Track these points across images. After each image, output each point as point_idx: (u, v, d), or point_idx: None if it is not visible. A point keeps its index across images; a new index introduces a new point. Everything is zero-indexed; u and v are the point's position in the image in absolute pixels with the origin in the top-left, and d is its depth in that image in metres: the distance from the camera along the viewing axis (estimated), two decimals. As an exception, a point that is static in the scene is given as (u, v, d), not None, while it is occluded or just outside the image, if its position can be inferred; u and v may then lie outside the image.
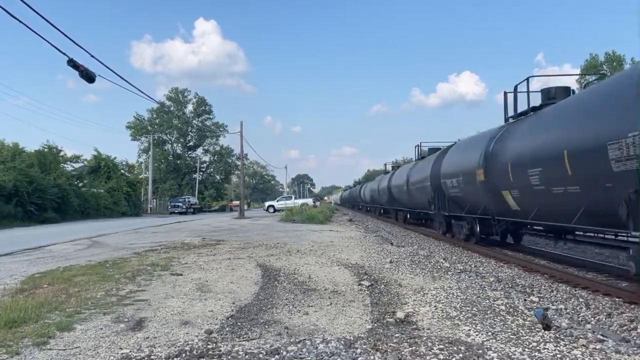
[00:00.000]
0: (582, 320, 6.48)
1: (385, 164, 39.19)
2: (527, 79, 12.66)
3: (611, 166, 7.64)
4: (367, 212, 51.32)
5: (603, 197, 8.20)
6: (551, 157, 9.59)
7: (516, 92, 13.04)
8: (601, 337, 5.33)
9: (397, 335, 5.13)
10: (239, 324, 5.64)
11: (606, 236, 10.25)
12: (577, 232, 11.21)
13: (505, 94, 13.69)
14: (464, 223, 15.83)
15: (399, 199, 27.71)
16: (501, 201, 12.39)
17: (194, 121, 78.49)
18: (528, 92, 12.57)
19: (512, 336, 5.10)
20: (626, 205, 7.51)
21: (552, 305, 7.36)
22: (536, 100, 12.25)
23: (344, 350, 4.60)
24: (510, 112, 13.32)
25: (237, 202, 55.94)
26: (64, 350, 4.72)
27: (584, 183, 8.75)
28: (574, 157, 8.78)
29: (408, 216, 26.84)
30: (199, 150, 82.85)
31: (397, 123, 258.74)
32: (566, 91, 11.81)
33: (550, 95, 11.73)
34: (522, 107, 12.77)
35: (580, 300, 7.72)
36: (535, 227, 13.31)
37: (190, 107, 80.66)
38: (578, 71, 53.78)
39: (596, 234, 10.56)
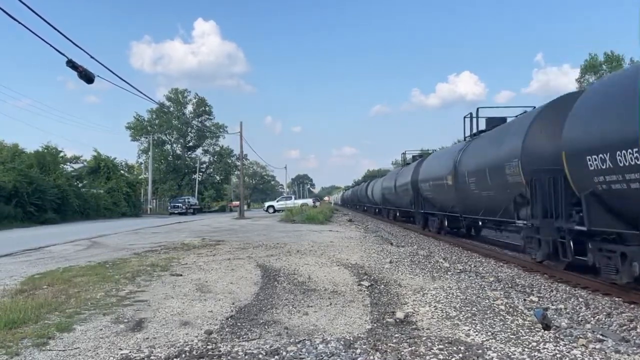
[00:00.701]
0: (581, 320, 6.48)
1: (405, 153, 29.06)
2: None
3: None
4: (375, 214, 42.67)
5: None
6: None
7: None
8: (601, 337, 5.34)
9: (396, 335, 5.13)
10: (239, 324, 5.64)
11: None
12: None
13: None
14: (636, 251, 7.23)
15: (433, 199, 19.39)
16: None
17: (193, 122, 78.49)
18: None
19: (511, 336, 5.10)
20: None
21: (552, 305, 7.36)
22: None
23: (343, 351, 4.60)
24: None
25: (237, 203, 55.91)
26: (63, 351, 4.72)
27: None
28: None
29: (446, 223, 18.48)
30: (199, 151, 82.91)
31: (397, 123, 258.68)
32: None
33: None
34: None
35: (580, 300, 7.72)
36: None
37: (190, 108, 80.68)
38: (577, 71, 53.77)
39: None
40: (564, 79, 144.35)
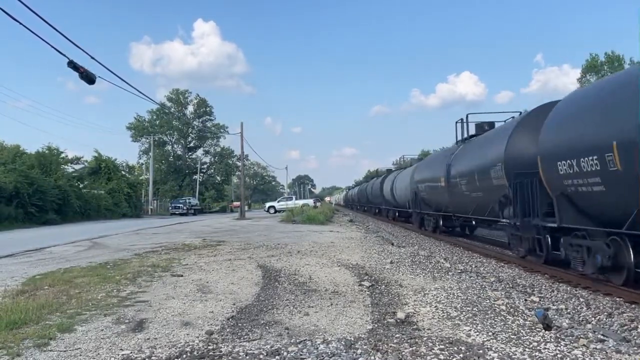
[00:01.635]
0: (582, 320, 6.48)
1: (465, 119, 17.19)
2: None
3: None
4: (394, 220, 31.77)
5: None
6: None
7: None
8: (602, 337, 5.33)
9: (397, 335, 5.13)
10: (240, 324, 5.65)
11: None
12: None
13: None
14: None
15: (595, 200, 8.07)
16: None
17: (194, 122, 78.55)
18: None
19: (512, 336, 5.10)
20: None
21: (553, 305, 7.36)
22: None
23: (344, 351, 4.60)
24: None
25: (238, 203, 55.92)
26: (64, 351, 4.73)
27: None
28: None
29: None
30: (200, 152, 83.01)
31: (397, 124, 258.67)
32: None
33: None
34: None
35: (581, 300, 7.72)
36: None
37: (190, 108, 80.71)
38: (579, 72, 53.64)
39: None
40: (564, 79, 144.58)
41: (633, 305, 7.18)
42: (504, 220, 12.44)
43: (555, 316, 6.46)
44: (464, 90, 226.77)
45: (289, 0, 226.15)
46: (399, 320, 5.77)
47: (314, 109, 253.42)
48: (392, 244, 15.91)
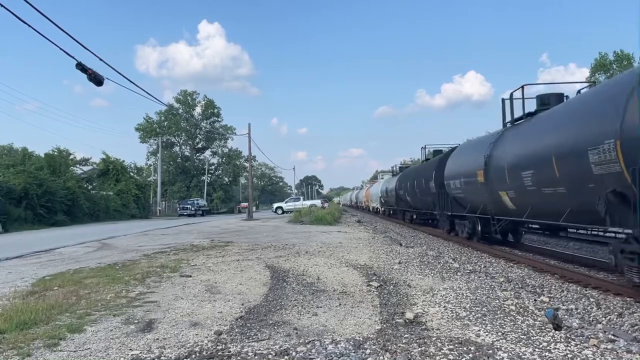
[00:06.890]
0: (593, 320, 6.43)
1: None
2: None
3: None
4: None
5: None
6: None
7: (512, 98, 13.44)
8: (612, 337, 5.29)
9: (406, 335, 5.11)
10: (248, 325, 5.65)
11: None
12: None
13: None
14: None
15: None
16: None
17: (202, 123, 78.85)
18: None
19: (522, 336, 5.07)
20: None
21: (563, 305, 7.31)
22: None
23: (353, 351, 4.59)
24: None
25: (246, 204, 56.01)
26: (74, 351, 4.75)
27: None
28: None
29: None
30: (207, 153, 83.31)
31: (403, 124, 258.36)
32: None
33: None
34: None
35: (591, 300, 7.66)
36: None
37: (198, 110, 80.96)
38: (584, 70, 53.15)
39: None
40: (570, 79, 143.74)
41: (644, 305, 7.12)
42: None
43: (565, 316, 6.42)
44: (469, 90, 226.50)
45: (293, 1, 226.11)
46: (407, 321, 5.75)
47: (319, 110, 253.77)
48: (400, 245, 15.88)
